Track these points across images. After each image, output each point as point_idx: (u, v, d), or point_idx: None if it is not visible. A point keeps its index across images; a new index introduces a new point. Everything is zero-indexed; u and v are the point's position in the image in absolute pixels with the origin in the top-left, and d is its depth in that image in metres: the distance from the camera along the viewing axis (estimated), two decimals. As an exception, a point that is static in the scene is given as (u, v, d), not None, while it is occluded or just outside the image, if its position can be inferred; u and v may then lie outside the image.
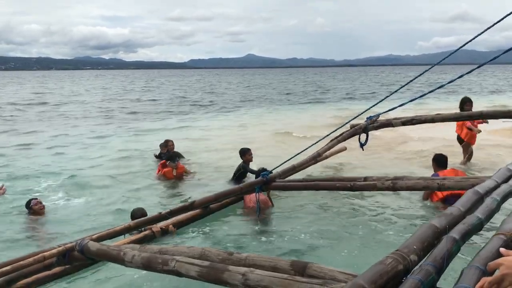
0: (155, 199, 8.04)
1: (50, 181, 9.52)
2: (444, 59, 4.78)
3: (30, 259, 3.70)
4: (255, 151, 9.22)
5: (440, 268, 2.32)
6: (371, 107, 5.35)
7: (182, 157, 11.09)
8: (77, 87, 59.19)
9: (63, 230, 6.52)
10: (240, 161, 8.80)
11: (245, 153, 8.77)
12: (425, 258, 2.40)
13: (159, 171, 9.46)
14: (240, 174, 8.72)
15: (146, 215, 5.97)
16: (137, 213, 6.05)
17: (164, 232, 5.49)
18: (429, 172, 8.35)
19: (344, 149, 9.71)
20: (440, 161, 7.29)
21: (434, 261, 2.32)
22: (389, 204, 7.01)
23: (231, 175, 8.90)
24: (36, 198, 7.37)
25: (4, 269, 3.61)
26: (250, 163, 8.79)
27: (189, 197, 7.74)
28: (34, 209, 7.06)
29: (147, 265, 3.19)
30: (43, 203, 7.29)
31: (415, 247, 2.45)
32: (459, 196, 6.77)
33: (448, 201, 6.50)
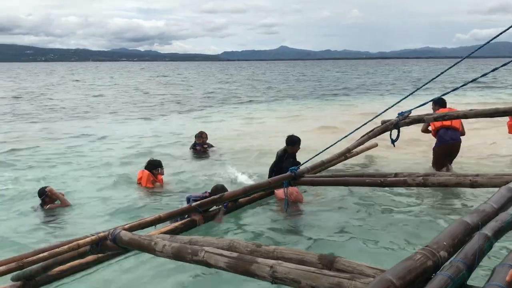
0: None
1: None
2: (475, 50, 4.63)
3: (65, 247, 3.81)
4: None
5: (471, 265, 2.28)
6: (399, 101, 5.23)
7: (212, 146, 11.46)
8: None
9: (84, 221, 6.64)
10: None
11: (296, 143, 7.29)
12: (455, 255, 2.37)
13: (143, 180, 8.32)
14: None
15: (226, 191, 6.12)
16: (218, 190, 6.15)
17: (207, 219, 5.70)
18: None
19: (375, 145, 9.61)
20: (441, 103, 8.52)
21: (465, 258, 2.29)
22: (420, 200, 6.93)
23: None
24: (47, 186, 7.33)
25: (41, 255, 3.74)
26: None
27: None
28: (50, 194, 7.07)
29: (177, 255, 3.24)
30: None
31: (445, 243, 2.42)
32: (451, 128, 8.36)
33: (442, 135, 8.47)
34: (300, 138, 7.37)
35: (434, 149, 8.68)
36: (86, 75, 77.43)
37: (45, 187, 7.25)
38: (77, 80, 56.45)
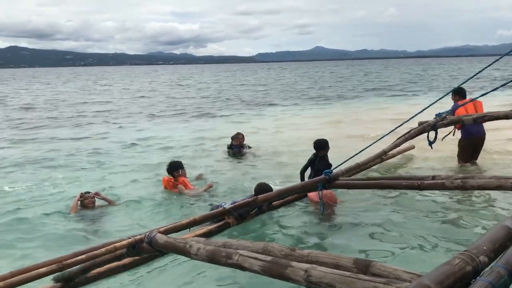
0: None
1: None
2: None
3: (103, 249, 3.89)
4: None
5: (513, 271, 2.20)
6: (435, 101, 5.10)
7: (249, 147, 11.49)
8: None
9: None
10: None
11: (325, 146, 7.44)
12: (496, 260, 2.29)
13: (169, 183, 8.28)
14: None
15: (271, 190, 6.06)
16: (262, 188, 6.11)
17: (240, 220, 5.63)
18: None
19: (412, 147, 9.44)
20: (462, 92, 8.80)
21: (506, 264, 2.21)
22: (458, 203, 6.76)
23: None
24: (89, 192, 7.52)
25: (79, 257, 3.83)
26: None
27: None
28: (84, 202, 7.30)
29: (211, 258, 3.26)
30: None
31: (485, 248, 2.34)
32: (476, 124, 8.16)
33: (469, 128, 8.51)
34: (333, 140, 7.32)
35: (460, 141, 8.94)
36: (123, 79, 79.11)
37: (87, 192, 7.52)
38: (110, 85, 57.75)
